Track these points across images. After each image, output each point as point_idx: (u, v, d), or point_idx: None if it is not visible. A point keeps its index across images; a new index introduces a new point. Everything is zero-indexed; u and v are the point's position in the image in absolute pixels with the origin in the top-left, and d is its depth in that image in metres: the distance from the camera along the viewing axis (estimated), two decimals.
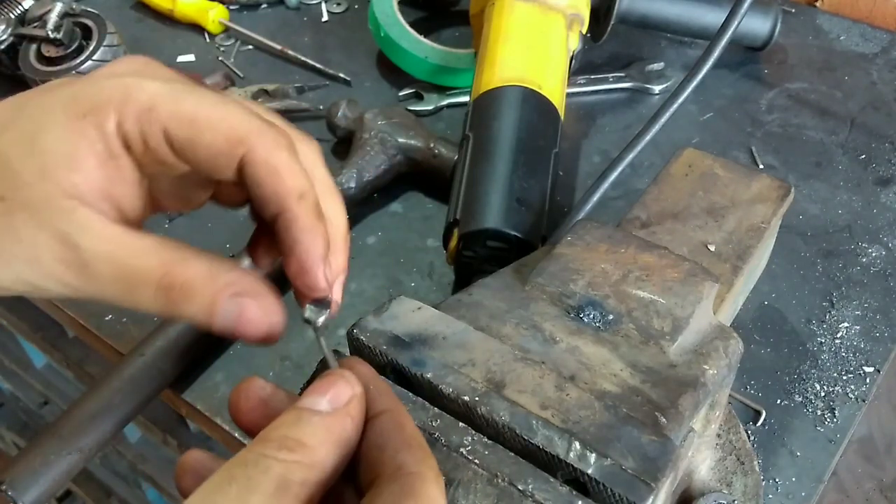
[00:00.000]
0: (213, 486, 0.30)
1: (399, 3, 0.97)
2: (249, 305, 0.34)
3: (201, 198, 0.41)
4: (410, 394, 0.41)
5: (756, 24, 0.94)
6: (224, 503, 0.29)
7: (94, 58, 0.91)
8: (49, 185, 0.34)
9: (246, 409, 0.35)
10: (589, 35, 0.92)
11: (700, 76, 0.63)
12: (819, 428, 0.64)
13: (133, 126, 0.34)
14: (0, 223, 0.34)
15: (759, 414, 0.65)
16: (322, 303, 0.37)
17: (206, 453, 0.36)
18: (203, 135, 0.34)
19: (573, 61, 0.86)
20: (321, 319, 0.37)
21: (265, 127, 0.35)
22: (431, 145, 0.81)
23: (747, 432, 0.62)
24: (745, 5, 0.62)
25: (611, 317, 0.48)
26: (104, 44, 0.92)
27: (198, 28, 1.07)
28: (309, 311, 0.37)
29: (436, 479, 0.32)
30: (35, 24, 0.92)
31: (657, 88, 0.94)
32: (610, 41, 0.95)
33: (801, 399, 0.66)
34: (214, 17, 1.05)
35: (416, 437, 0.33)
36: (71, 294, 0.35)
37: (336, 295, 0.38)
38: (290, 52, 1.00)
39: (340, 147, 0.88)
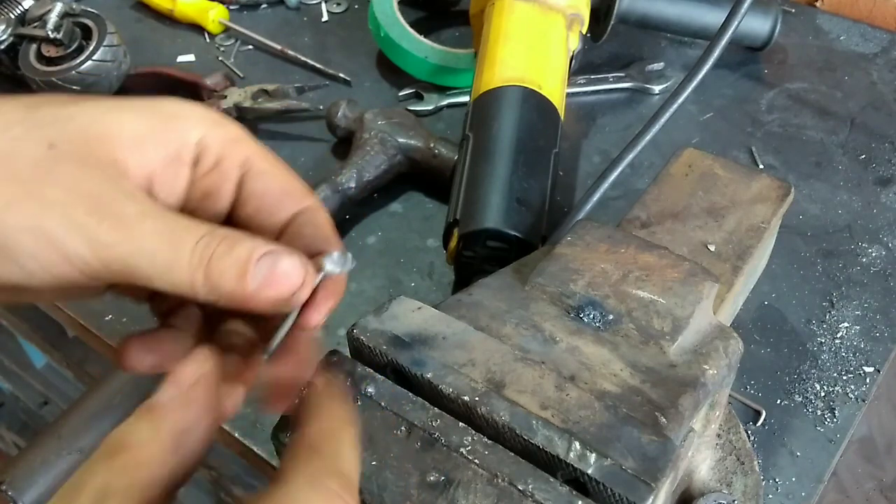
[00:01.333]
0: None
1: (399, 3, 0.97)
2: (283, 257, 0.34)
3: None
4: (410, 394, 0.41)
5: (756, 24, 0.94)
6: None
7: (94, 58, 0.91)
8: (106, 150, 0.34)
9: None
10: (589, 35, 0.92)
11: (700, 76, 0.63)
12: (819, 428, 0.64)
13: (215, 143, 0.37)
14: (42, 167, 0.33)
15: (759, 414, 0.65)
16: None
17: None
18: (282, 173, 0.38)
19: (573, 61, 0.86)
20: (340, 270, 0.36)
21: None
22: (431, 145, 0.81)
23: (747, 432, 0.62)
24: (745, 5, 0.61)
25: (611, 317, 0.48)
26: (104, 44, 0.92)
27: (198, 28, 1.07)
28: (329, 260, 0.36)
29: None
30: (35, 24, 0.92)
31: (657, 88, 0.94)
32: (610, 41, 0.95)
33: (801, 399, 0.66)
34: (214, 17, 1.05)
35: (341, 473, 0.31)
36: (87, 257, 0.33)
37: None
38: (290, 52, 1.00)
39: (340, 147, 0.88)
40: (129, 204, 0.33)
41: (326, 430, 0.33)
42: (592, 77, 0.95)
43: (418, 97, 0.94)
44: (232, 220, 0.39)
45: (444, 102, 0.93)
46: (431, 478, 0.38)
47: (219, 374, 0.33)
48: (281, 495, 0.30)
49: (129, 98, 0.37)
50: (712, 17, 0.92)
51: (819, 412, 0.65)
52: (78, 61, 0.90)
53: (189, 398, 0.32)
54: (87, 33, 0.93)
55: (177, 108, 0.37)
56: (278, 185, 0.38)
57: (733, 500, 0.51)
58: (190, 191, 0.38)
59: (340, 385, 0.36)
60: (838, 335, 0.70)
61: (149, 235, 0.33)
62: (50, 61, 0.91)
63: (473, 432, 0.39)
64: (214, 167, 0.37)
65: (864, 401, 0.66)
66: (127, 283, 0.34)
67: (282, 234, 0.38)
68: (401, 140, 0.81)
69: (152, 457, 0.30)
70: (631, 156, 0.64)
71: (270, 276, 0.34)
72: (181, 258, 0.33)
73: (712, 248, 0.58)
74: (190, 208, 0.39)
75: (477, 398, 0.40)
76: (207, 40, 1.06)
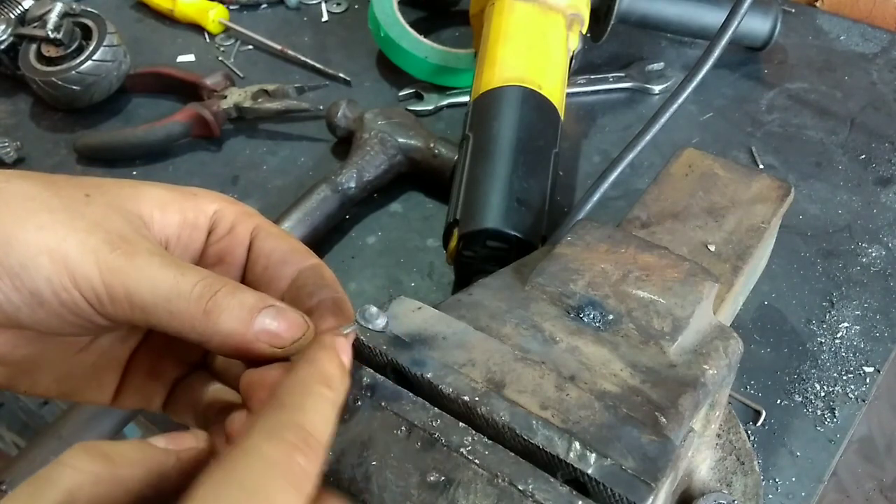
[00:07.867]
0: None
1: (399, 3, 0.97)
2: (289, 310, 0.38)
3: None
4: (410, 394, 0.41)
5: (756, 24, 0.94)
6: None
7: (94, 58, 0.91)
8: (134, 205, 0.38)
9: None
10: (589, 35, 0.92)
11: (700, 76, 0.63)
12: (819, 428, 0.64)
13: (229, 214, 0.42)
14: (76, 207, 0.36)
15: (759, 414, 0.65)
16: None
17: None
18: (289, 237, 0.43)
19: (573, 61, 0.86)
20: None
21: None
22: (431, 145, 0.81)
23: (747, 432, 0.62)
24: (745, 5, 0.61)
25: (611, 317, 0.48)
26: (104, 44, 0.92)
27: (198, 28, 1.07)
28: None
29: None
30: (35, 24, 0.92)
31: (657, 88, 0.94)
32: (610, 41, 0.95)
33: (801, 399, 0.66)
34: (214, 17, 1.05)
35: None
36: (94, 280, 0.35)
37: None
38: (290, 52, 1.00)
39: (340, 147, 0.88)
40: (143, 243, 0.37)
41: (295, 383, 0.33)
42: (592, 77, 0.95)
43: (418, 97, 0.94)
44: (244, 282, 0.42)
45: (444, 102, 0.93)
46: (431, 478, 0.38)
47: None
48: (238, 450, 0.30)
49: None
50: (712, 17, 0.92)
51: (819, 412, 0.65)
52: (78, 61, 0.90)
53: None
54: (87, 33, 0.93)
55: (199, 190, 0.42)
56: (286, 245, 0.42)
57: (733, 500, 0.51)
58: (204, 254, 0.42)
59: (340, 344, 0.37)
60: (838, 335, 0.70)
61: (156, 266, 0.36)
62: (50, 61, 0.91)
63: (473, 432, 0.39)
64: (228, 233, 0.42)
65: (864, 401, 0.66)
66: (125, 320, 0.36)
67: (289, 288, 0.41)
68: (401, 140, 0.81)
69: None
70: (631, 156, 0.64)
71: (279, 322, 0.37)
72: (184, 289, 0.35)
73: (712, 248, 0.58)
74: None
75: (477, 398, 0.40)
76: (207, 40, 1.06)
